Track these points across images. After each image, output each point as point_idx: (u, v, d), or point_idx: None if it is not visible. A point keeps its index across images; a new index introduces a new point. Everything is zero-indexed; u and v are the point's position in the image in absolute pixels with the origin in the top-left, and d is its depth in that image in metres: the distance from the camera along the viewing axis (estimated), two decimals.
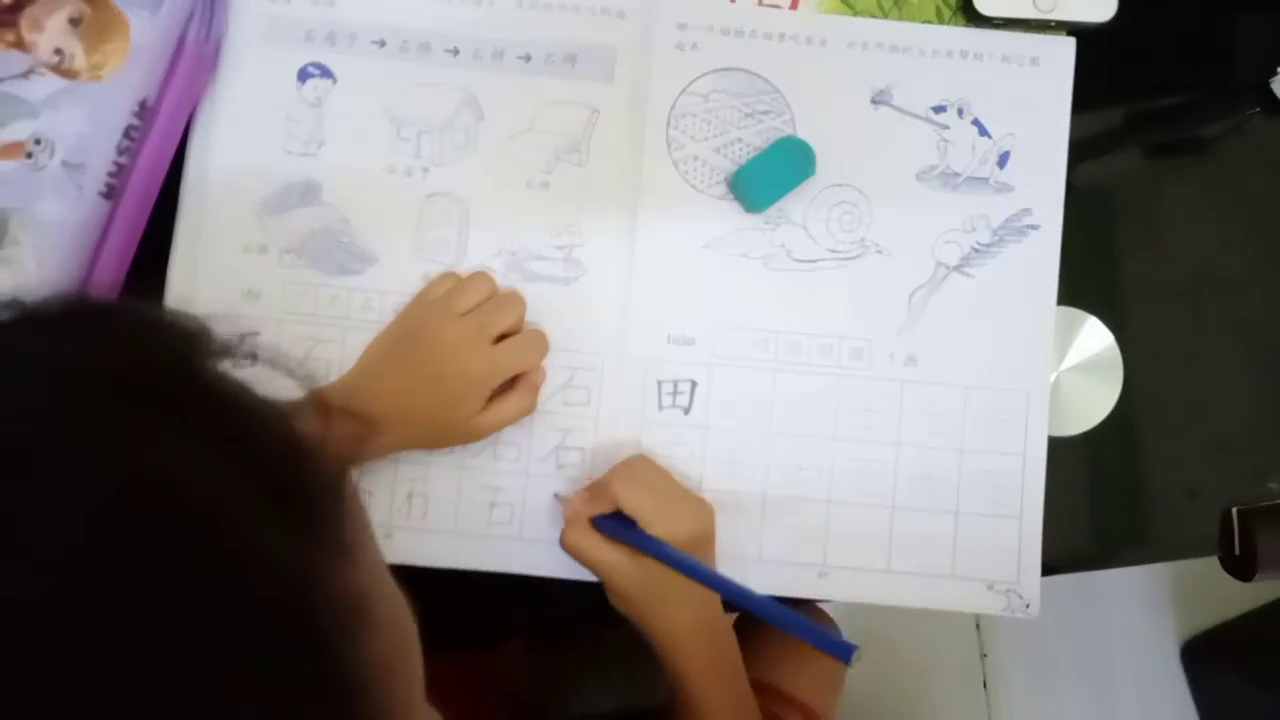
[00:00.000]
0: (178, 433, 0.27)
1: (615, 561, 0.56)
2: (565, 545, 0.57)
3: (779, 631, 0.57)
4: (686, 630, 0.57)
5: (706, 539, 0.59)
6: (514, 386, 0.60)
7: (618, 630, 0.58)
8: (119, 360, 0.28)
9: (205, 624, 0.25)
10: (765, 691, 0.78)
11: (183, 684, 0.24)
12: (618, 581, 0.56)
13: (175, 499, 0.26)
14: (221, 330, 0.31)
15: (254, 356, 0.32)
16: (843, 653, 0.54)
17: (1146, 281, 0.67)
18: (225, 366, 0.31)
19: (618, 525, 0.56)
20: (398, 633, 0.33)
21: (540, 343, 0.61)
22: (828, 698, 0.81)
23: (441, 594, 0.61)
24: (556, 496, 0.62)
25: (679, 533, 0.56)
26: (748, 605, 0.56)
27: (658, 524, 0.55)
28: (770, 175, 0.62)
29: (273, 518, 0.27)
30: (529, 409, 0.60)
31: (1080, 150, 0.65)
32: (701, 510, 0.59)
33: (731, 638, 0.59)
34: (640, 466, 0.59)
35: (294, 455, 0.30)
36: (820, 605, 0.78)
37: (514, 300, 0.61)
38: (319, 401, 0.33)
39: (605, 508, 0.57)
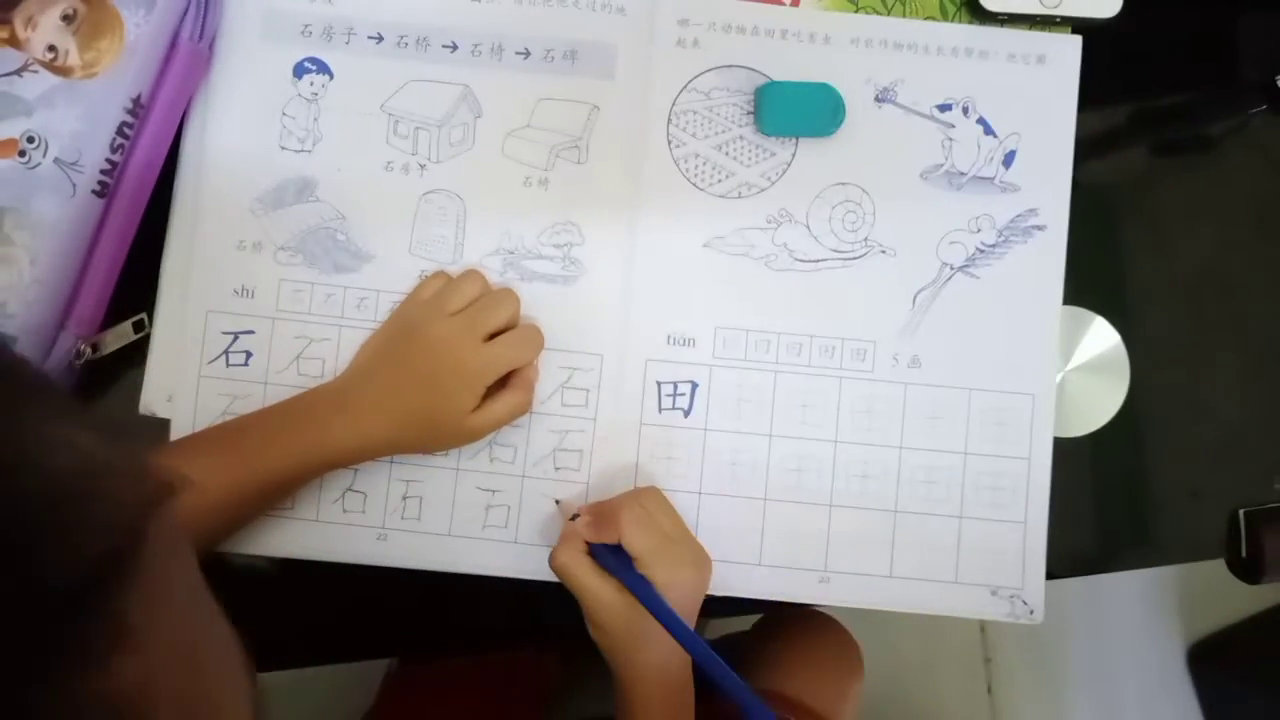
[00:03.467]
0: None
1: (603, 594, 0.55)
2: (554, 565, 0.56)
3: (796, 642, 0.56)
4: (652, 672, 0.56)
5: (699, 592, 0.58)
6: (508, 385, 0.59)
7: None
8: None
9: None
10: (782, 702, 0.77)
11: None
12: (601, 616, 0.55)
13: None
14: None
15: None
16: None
17: (1152, 281, 0.66)
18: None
19: (615, 560, 0.55)
20: (210, 707, 0.27)
21: (535, 338, 0.60)
22: (845, 710, 0.81)
23: (465, 594, 0.61)
24: (558, 503, 0.61)
25: (675, 584, 0.55)
26: (715, 678, 0.55)
27: (658, 571, 0.55)
28: (793, 107, 0.62)
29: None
30: (524, 408, 0.59)
31: (1086, 148, 0.64)
32: (701, 562, 0.58)
33: (689, 683, 0.58)
34: (652, 503, 0.58)
35: (56, 524, 0.22)
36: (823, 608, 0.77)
37: (506, 297, 0.60)
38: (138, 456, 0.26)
39: (608, 538, 0.56)
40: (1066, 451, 0.63)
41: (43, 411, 0.25)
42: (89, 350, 0.58)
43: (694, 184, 0.63)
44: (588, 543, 0.57)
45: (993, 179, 0.63)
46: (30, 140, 0.57)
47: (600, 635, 0.56)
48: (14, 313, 0.56)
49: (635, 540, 0.55)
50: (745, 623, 0.96)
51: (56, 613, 0.22)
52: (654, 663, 0.56)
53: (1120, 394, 0.64)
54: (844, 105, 0.62)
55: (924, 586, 0.62)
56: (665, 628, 0.54)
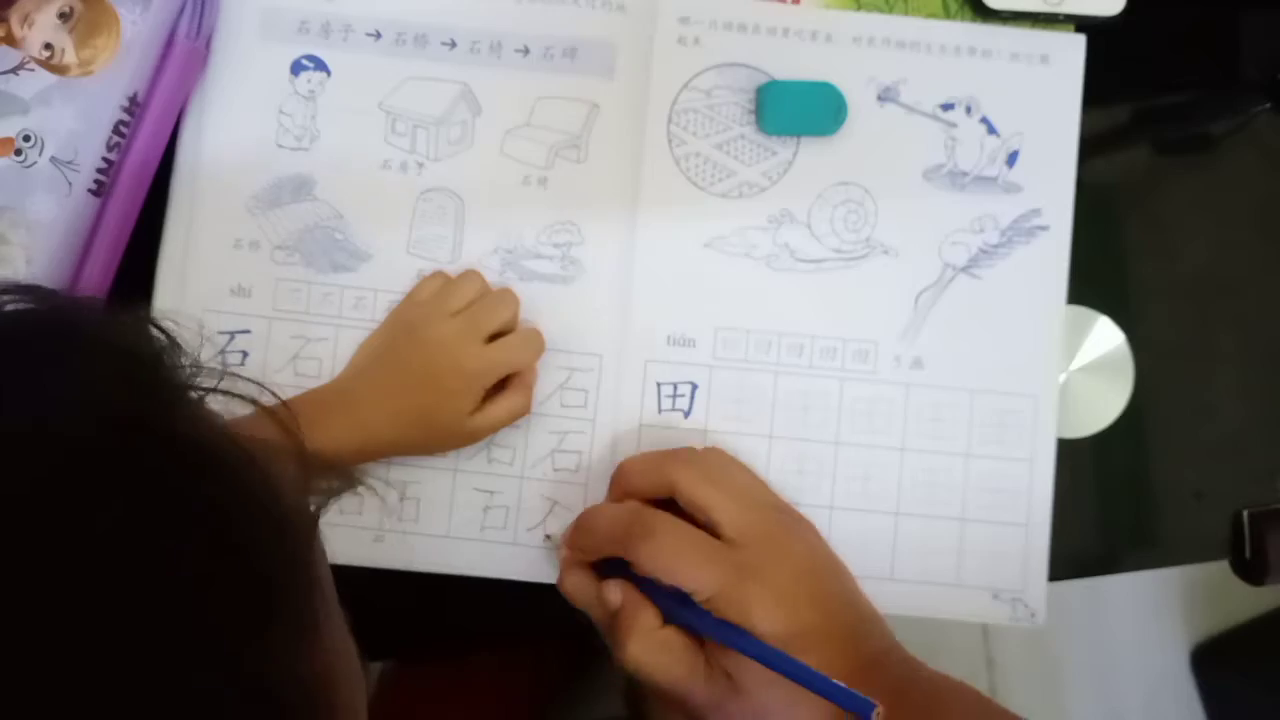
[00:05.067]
0: (126, 494, 0.24)
1: (695, 675, 0.44)
2: (566, 591, 0.51)
3: None
4: None
5: (818, 571, 0.49)
6: (507, 387, 0.58)
7: None
8: (74, 413, 0.24)
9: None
10: None
11: None
12: (684, 691, 0.45)
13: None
14: (197, 354, 0.27)
15: (220, 391, 0.28)
16: (862, 708, 0.42)
17: (1156, 280, 0.65)
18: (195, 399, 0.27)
19: (687, 611, 0.45)
20: (352, 714, 0.29)
21: (535, 341, 0.60)
22: None
23: (463, 595, 0.61)
24: (548, 538, 0.59)
25: (778, 618, 0.44)
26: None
27: (742, 610, 0.43)
28: (795, 106, 0.61)
29: (225, 598, 0.24)
30: (523, 410, 0.59)
31: (1089, 147, 0.64)
32: (800, 529, 0.51)
33: None
34: (715, 470, 0.50)
35: (260, 520, 0.26)
36: None
37: (506, 298, 0.59)
38: (301, 453, 0.29)
39: (617, 552, 0.48)
40: (1069, 453, 0.62)
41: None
42: None
43: (694, 183, 0.62)
44: (646, 592, 0.46)
45: (996, 179, 0.63)
46: (26, 139, 0.57)
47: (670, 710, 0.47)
48: None
49: (698, 579, 0.45)
50: None
51: (287, 589, 0.25)
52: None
53: (1124, 395, 0.64)
54: (846, 104, 0.62)
55: (925, 589, 0.61)
56: (788, 676, 0.43)
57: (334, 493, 0.28)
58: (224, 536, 0.24)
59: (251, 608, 0.24)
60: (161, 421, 0.26)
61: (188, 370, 0.27)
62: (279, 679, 0.24)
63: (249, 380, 0.29)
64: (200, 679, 0.23)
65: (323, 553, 0.29)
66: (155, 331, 0.28)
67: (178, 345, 0.28)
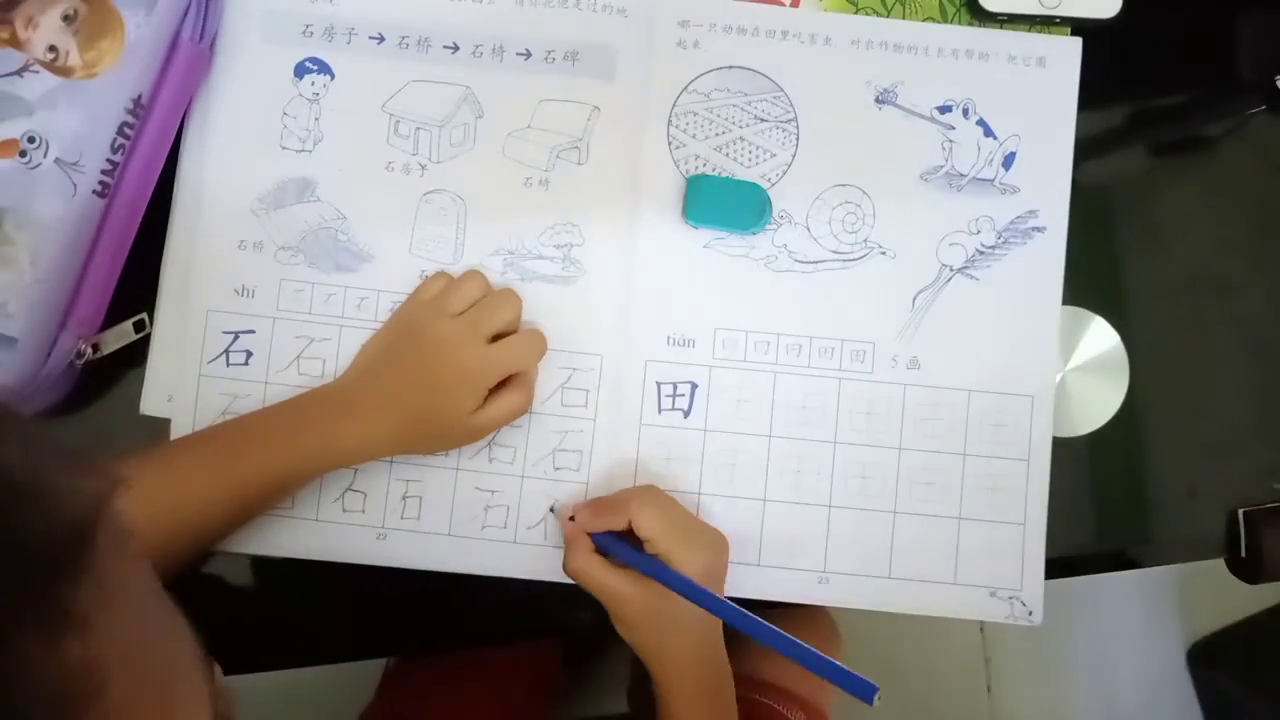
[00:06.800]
0: None
1: (624, 588, 0.55)
2: (570, 571, 0.56)
3: (775, 625, 0.55)
4: (687, 659, 0.56)
5: (720, 571, 0.58)
6: (507, 385, 0.59)
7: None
8: None
9: None
10: (766, 689, 0.77)
11: None
12: (626, 610, 0.55)
13: None
14: None
15: None
16: (864, 692, 0.48)
17: (1152, 281, 0.66)
18: None
19: (628, 549, 0.55)
20: (160, 703, 0.29)
21: (537, 341, 0.60)
22: (825, 688, 0.81)
23: (464, 593, 0.62)
24: (552, 510, 0.61)
25: (694, 562, 0.55)
26: (765, 640, 0.52)
27: (674, 552, 0.54)
28: (721, 201, 0.61)
29: None
30: (523, 408, 0.59)
31: (1085, 149, 0.64)
32: (718, 545, 0.58)
33: (725, 664, 0.59)
34: (656, 493, 0.59)
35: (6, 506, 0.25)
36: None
37: (508, 298, 0.60)
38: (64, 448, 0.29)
39: (615, 525, 0.56)
40: (1065, 452, 0.63)
41: None
42: (89, 350, 0.58)
43: None
44: (595, 541, 0.56)
45: (992, 180, 0.63)
46: (31, 140, 0.57)
47: (628, 632, 0.56)
48: (14, 313, 0.56)
49: (647, 522, 0.55)
50: None
51: (21, 583, 0.24)
52: (688, 649, 0.56)
53: (1119, 394, 0.64)
54: (771, 207, 0.62)
55: (923, 587, 0.62)
56: (694, 601, 0.53)
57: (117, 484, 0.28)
58: None
59: None
60: None
61: None
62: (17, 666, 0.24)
63: None
64: None
65: (118, 545, 0.28)
66: None
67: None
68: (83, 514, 0.27)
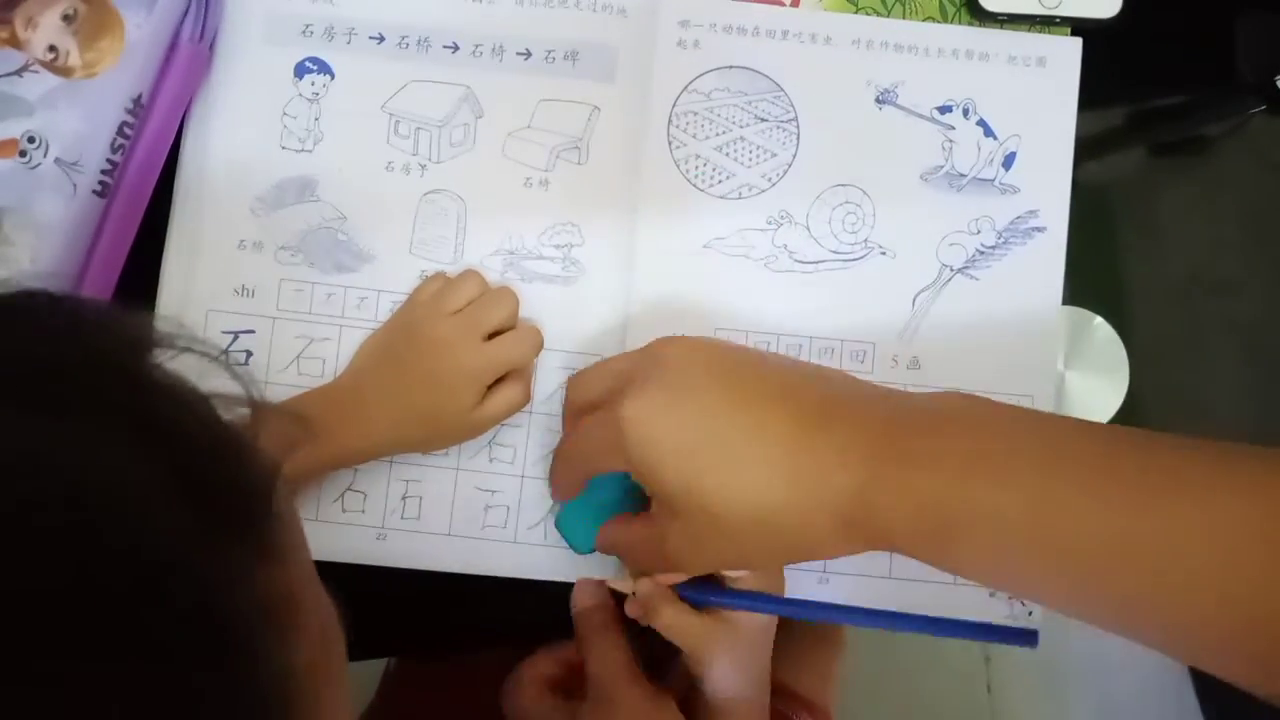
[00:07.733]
0: (94, 425, 0.27)
1: (714, 633, 0.55)
2: (666, 629, 0.55)
3: (778, 624, 0.56)
4: (764, 677, 0.57)
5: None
6: (505, 381, 0.59)
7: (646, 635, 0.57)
8: (38, 350, 0.28)
9: (111, 627, 0.24)
10: (772, 692, 0.77)
11: (86, 697, 0.23)
12: (713, 651, 0.55)
13: (84, 493, 0.25)
14: (164, 326, 0.31)
15: (192, 350, 0.32)
16: (1027, 640, 0.54)
17: (1152, 281, 0.66)
18: (161, 360, 0.31)
19: (703, 590, 0.55)
20: (325, 641, 0.33)
21: (534, 337, 0.60)
22: (829, 690, 0.81)
23: (465, 593, 0.61)
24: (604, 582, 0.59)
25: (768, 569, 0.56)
26: (900, 627, 0.53)
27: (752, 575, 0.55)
28: (596, 512, 0.58)
29: (193, 517, 0.27)
30: (521, 402, 0.60)
31: (1085, 149, 0.64)
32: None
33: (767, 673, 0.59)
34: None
35: (222, 452, 0.30)
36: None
37: (505, 296, 0.60)
38: (255, 401, 0.33)
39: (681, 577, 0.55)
40: None
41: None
42: None
43: (694, 185, 0.63)
44: (680, 594, 0.55)
45: (993, 181, 0.63)
46: (31, 140, 0.58)
47: (700, 669, 0.55)
48: None
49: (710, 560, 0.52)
50: None
51: (252, 515, 0.29)
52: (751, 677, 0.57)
53: (1120, 394, 0.64)
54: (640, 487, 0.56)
55: (923, 587, 0.62)
56: (810, 619, 0.54)
57: (294, 442, 0.34)
58: (180, 457, 0.28)
59: (214, 523, 0.27)
60: (127, 359, 0.30)
61: (148, 333, 0.32)
62: (241, 590, 0.27)
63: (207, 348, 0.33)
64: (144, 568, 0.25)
65: (290, 502, 0.33)
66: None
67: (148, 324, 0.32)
68: (271, 462, 0.31)
